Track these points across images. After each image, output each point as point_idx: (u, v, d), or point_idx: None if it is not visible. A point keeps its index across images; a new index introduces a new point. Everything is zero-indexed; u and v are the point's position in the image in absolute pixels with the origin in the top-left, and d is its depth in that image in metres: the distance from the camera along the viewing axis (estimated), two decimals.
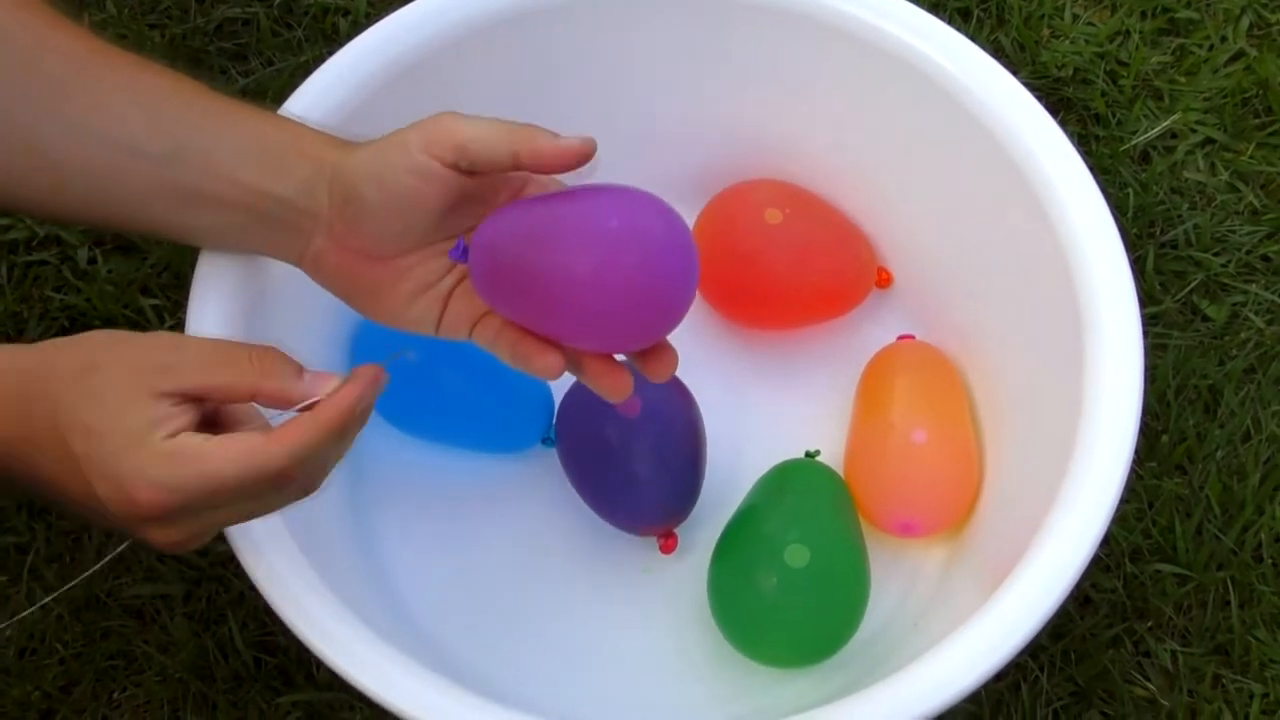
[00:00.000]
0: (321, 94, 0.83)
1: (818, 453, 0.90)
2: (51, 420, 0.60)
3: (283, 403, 0.62)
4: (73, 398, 0.59)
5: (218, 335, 0.75)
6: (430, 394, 0.88)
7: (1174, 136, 1.10)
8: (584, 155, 0.66)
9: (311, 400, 0.62)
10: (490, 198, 0.69)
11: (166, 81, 0.71)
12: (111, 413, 0.59)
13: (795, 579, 0.81)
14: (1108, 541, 0.91)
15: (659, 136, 0.97)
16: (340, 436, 0.62)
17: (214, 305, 0.76)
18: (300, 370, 0.63)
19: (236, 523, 0.64)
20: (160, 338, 0.63)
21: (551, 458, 0.90)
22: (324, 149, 0.69)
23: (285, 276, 0.80)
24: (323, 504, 0.84)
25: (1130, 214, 1.06)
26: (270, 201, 0.69)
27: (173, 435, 0.59)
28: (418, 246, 0.70)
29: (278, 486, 0.61)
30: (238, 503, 0.61)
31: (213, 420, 0.63)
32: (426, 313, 0.72)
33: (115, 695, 0.90)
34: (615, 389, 0.69)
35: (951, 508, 0.88)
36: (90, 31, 0.71)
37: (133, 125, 0.69)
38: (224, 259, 0.76)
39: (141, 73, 0.70)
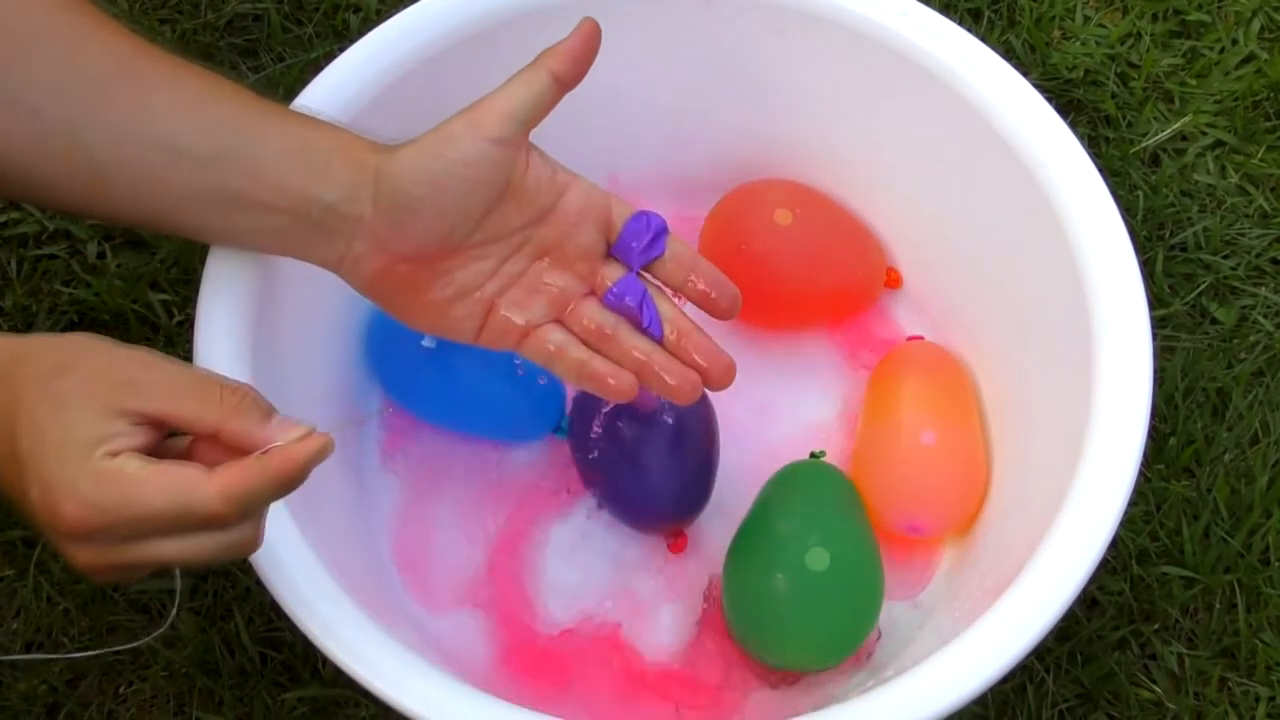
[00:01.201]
0: (332, 91, 0.83)
1: (823, 453, 0.90)
2: (11, 413, 0.58)
3: (245, 445, 0.60)
4: (36, 395, 0.58)
5: (228, 330, 0.76)
6: (445, 379, 0.89)
7: (1184, 139, 1.10)
8: (596, 33, 0.71)
9: (270, 447, 0.59)
10: (533, 196, 0.70)
11: (208, 82, 0.70)
12: (66, 419, 0.58)
13: (816, 583, 0.81)
14: (1115, 544, 0.91)
15: (670, 135, 0.97)
16: (281, 488, 0.59)
17: (225, 300, 0.76)
18: (270, 414, 0.61)
19: (167, 565, 0.60)
20: (137, 353, 0.61)
21: (563, 448, 0.90)
22: (366, 153, 0.69)
23: (296, 272, 0.80)
24: (330, 498, 0.84)
25: (1140, 216, 1.06)
26: (313, 206, 0.69)
27: (115, 454, 0.57)
28: (461, 248, 0.70)
29: (209, 528, 0.59)
30: (164, 538, 0.58)
31: (168, 451, 0.61)
32: (467, 319, 0.72)
33: (121, 690, 0.90)
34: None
35: (959, 509, 0.88)
36: (132, 31, 0.71)
37: (175, 127, 0.69)
38: (235, 253, 0.76)
39: (184, 73, 0.70)
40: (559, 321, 0.73)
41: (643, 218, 0.72)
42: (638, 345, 0.73)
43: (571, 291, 0.73)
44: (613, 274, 0.73)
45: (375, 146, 0.70)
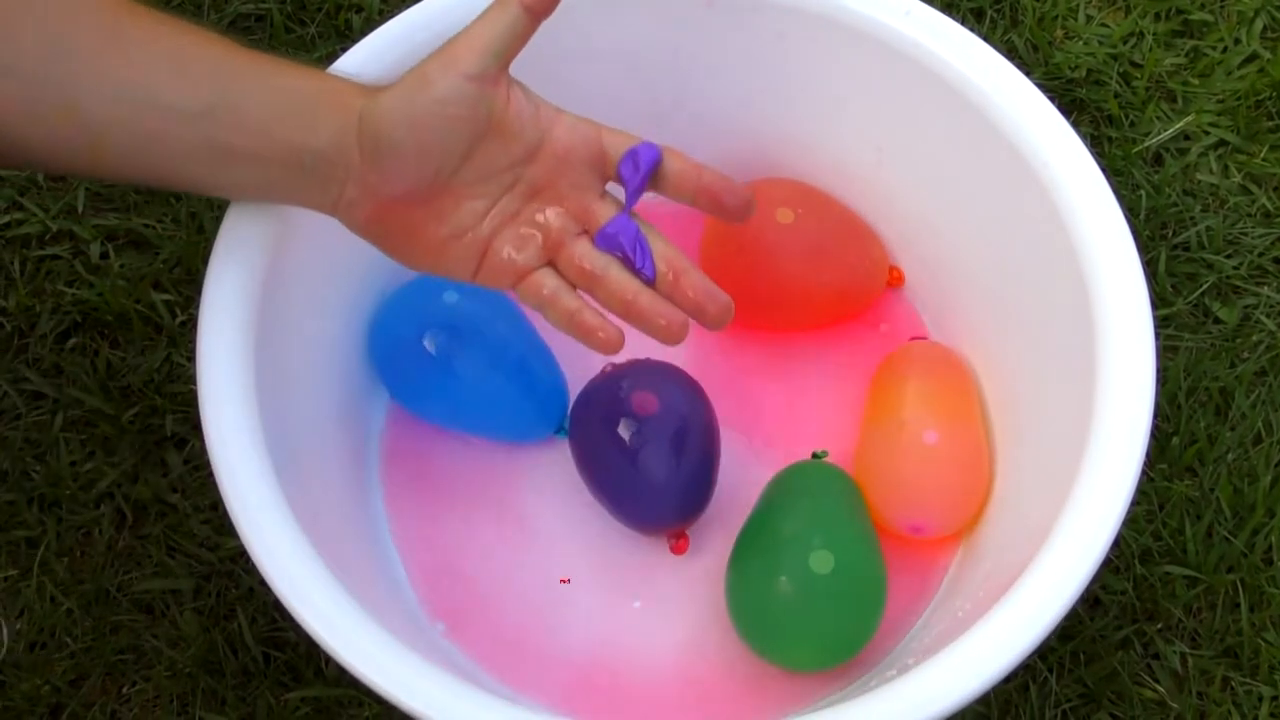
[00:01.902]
0: None
1: (825, 454, 0.90)
2: None
3: None
4: None
5: (232, 331, 0.76)
6: (448, 380, 0.89)
7: (1187, 138, 1.10)
8: None
9: None
10: (518, 132, 0.71)
11: (195, 38, 0.71)
12: None
13: (820, 585, 0.81)
14: (1118, 543, 0.91)
15: (671, 134, 0.96)
16: None
17: (227, 300, 0.76)
18: None
19: None
20: None
21: (565, 448, 0.90)
22: (351, 97, 0.70)
23: (300, 272, 0.80)
24: (333, 496, 0.84)
25: (1142, 216, 1.06)
26: (303, 154, 0.70)
27: None
28: (450, 188, 0.71)
29: None
30: None
31: None
32: (463, 259, 0.73)
33: (125, 690, 0.90)
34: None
35: (962, 509, 0.88)
36: None
37: (165, 84, 0.69)
38: (239, 246, 0.77)
39: (171, 29, 0.71)
40: (553, 265, 0.73)
41: (630, 159, 0.72)
42: (627, 286, 0.72)
43: (565, 230, 0.73)
44: (607, 211, 0.73)
45: (361, 90, 0.70)
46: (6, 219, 1.04)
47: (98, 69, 0.69)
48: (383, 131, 0.69)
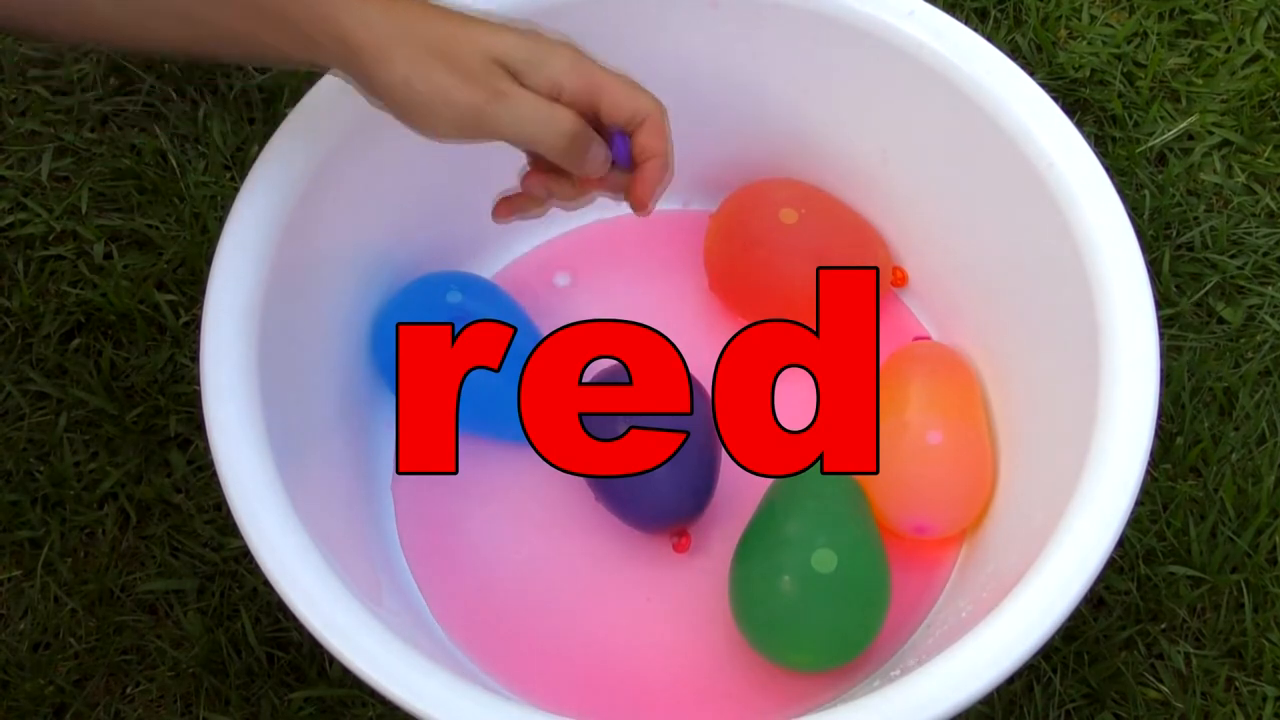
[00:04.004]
0: (339, 91, 0.83)
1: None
2: None
3: None
4: None
5: (236, 332, 0.76)
6: None
7: (1191, 138, 1.10)
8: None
9: None
10: None
11: None
12: None
13: (823, 585, 0.81)
14: (1122, 543, 0.91)
15: (675, 135, 0.97)
16: None
17: (232, 302, 0.76)
18: None
19: None
20: None
21: None
22: (355, 31, 0.70)
23: (305, 272, 0.80)
24: (336, 496, 0.84)
25: (1146, 216, 1.06)
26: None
27: None
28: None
29: None
30: None
31: None
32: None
33: (128, 690, 0.90)
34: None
35: (966, 509, 0.88)
36: None
37: None
38: (242, 247, 0.77)
39: None
40: None
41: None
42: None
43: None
44: None
45: (366, 22, 0.71)
46: (10, 219, 1.04)
47: None
48: (393, 106, 0.71)
